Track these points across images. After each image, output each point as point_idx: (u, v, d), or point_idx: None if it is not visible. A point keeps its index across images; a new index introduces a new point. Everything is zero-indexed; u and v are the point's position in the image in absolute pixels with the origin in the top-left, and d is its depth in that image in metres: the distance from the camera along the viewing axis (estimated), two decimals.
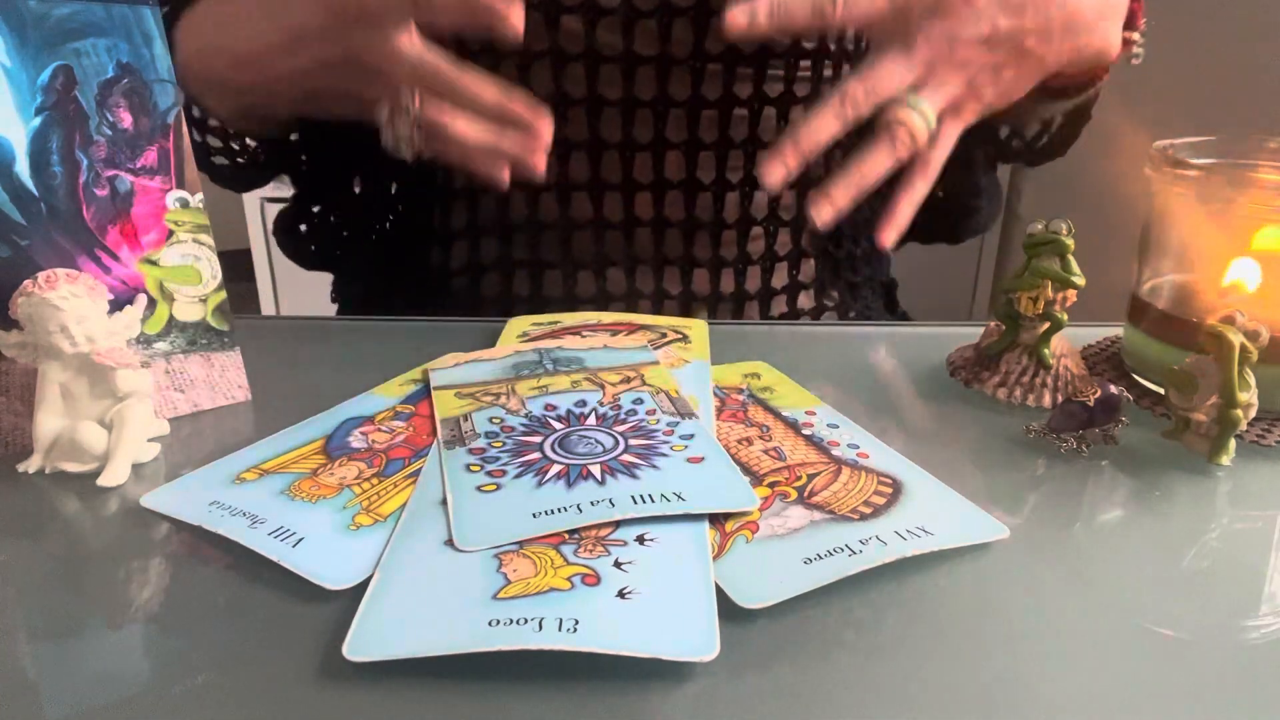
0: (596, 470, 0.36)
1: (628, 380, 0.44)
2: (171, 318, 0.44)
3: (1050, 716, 0.26)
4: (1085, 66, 0.53)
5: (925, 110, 0.46)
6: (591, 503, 0.33)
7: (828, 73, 0.61)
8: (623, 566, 0.30)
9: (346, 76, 0.48)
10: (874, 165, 0.45)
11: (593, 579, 0.30)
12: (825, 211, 0.43)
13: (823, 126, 0.45)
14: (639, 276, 0.62)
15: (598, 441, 0.38)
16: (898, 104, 0.46)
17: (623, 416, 0.40)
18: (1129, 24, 0.55)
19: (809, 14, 0.44)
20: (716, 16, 0.56)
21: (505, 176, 0.47)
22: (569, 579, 0.29)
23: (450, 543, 0.32)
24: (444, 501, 0.34)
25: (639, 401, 0.42)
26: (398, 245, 0.66)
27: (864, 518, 0.34)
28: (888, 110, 0.46)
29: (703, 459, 0.37)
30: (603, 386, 0.43)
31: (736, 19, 0.44)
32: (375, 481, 0.36)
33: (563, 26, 0.55)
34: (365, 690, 0.26)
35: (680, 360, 0.47)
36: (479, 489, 0.35)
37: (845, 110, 0.45)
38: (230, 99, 0.57)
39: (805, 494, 0.35)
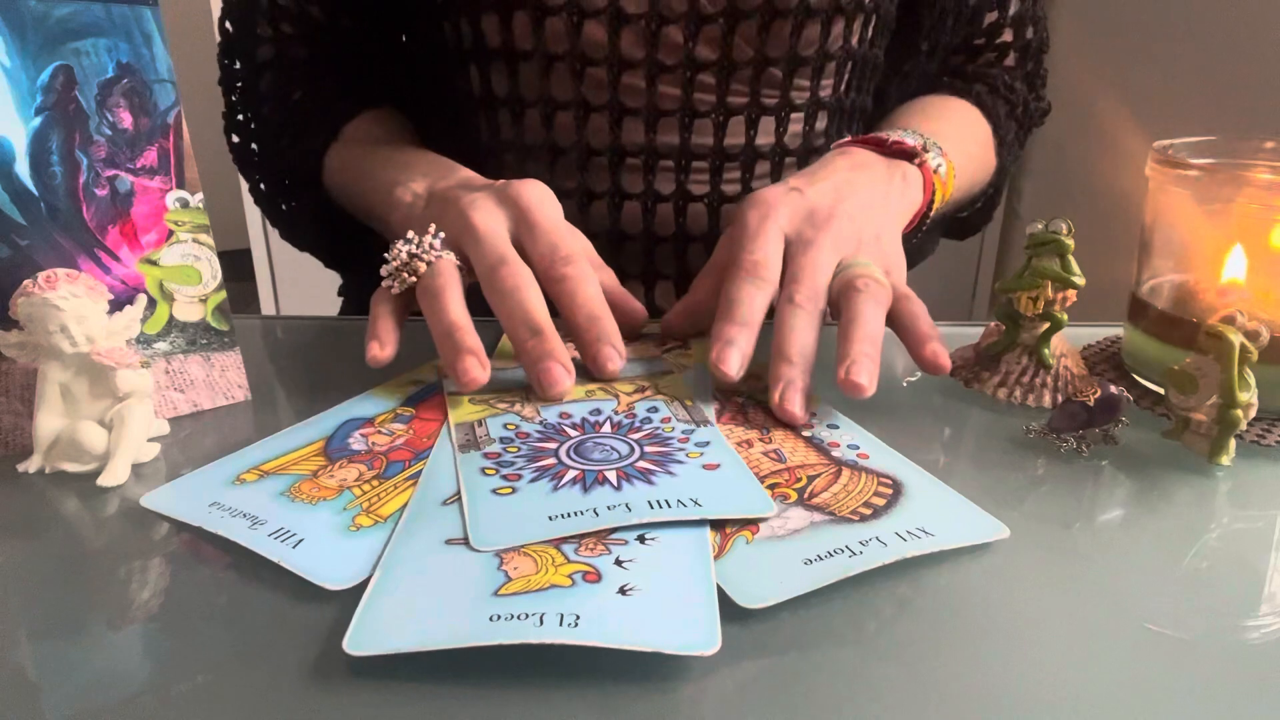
0: (612, 476, 0.36)
1: (642, 389, 0.44)
2: (171, 318, 0.44)
3: (1051, 716, 0.26)
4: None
5: (865, 262, 0.46)
6: (608, 507, 0.33)
7: (845, 80, 0.61)
8: (623, 564, 0.30)
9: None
10: (873, 323, 0.43)
11: (593, 576, 0.30)
12: (866, 389, 0.40)
13: (807, 335, 0.43)
14: (659, 291, 0.62)
15: (613, 448, 0.38)
16: (843, 271, 0.45)
17: (638, 424, 0.40)
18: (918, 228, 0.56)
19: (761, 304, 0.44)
20: (746, 20, 0.56)
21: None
22: (570, 576, 0.30)
23: (452, 541, 0.32)
24: (447, 502, 0.34)
25: (654, 410, 0.42)
26: None
27: (864, 519, 0.34)
28: (842, 280, 0.45)
29: (718, 465, 0.37)
30: (617, 395, 0.43)
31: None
32: (375, 483, 0.36)
33: (585, 33, 0.55)
34: (365, 687, 0.26)
35: (680, 366, 0.47)
36: (494, 491, 0.35)
37: (816, 309, 0.44)
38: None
39: (805, 495, 0.35)
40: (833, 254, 0.46)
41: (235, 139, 0.66)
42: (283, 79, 0.64)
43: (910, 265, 0.74)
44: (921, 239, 0.71)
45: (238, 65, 0.65)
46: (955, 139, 0.59)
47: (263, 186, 0.67)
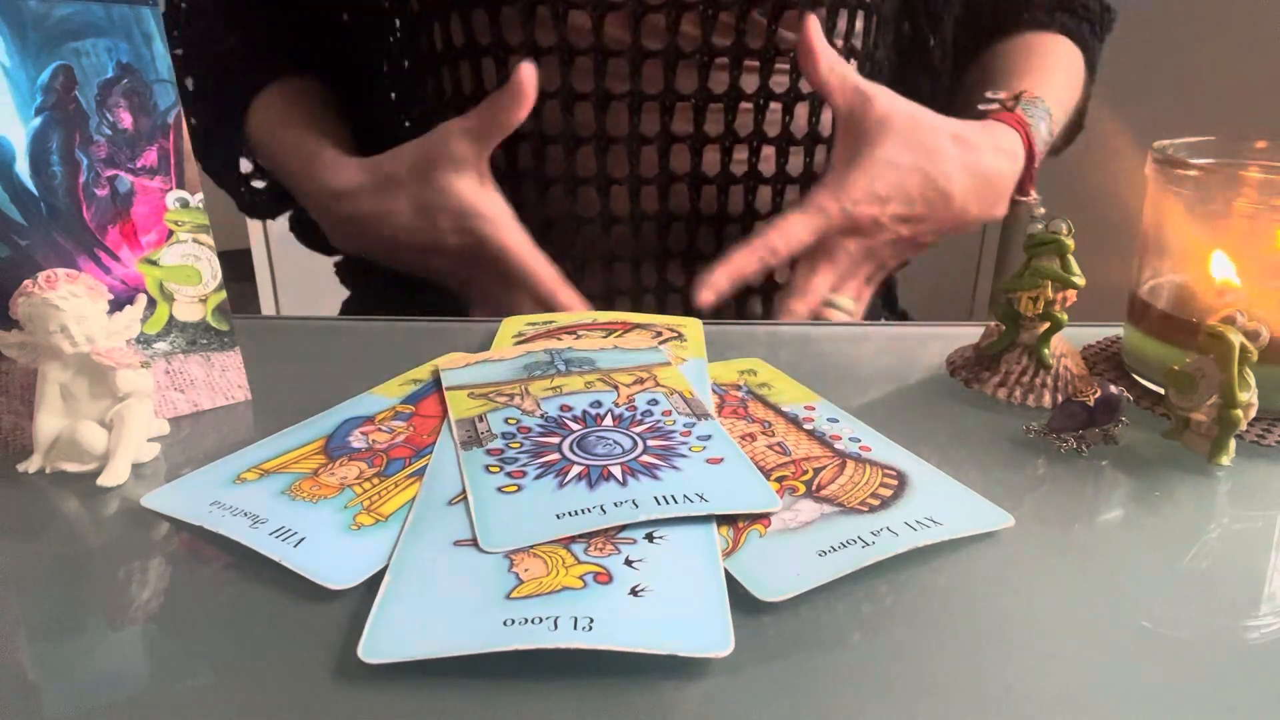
0: (618, 471, 0.36)
1: (641, 381, 0.44)
2: (171, 318, 0.44)
3: (1053, 714, 0.26)
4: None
5: (845, 303, 0.56)
6: (615, 504, 0.33)
7: (839, 31, 0.61)
8: (634, 564, 0.30)
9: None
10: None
11: (605, 577, 0.30)
12: (706, 296, 0.52)
13: (747, 266, 0.54)
14: (644, 271, 0.62)
15: (616, 442, 0.38)
16: (823, 305, 0.57)
17: (639, 417, 0.40)
18: (1021, 189, 0.60)
19: (757, 266, 0.54)
20: (725, 10, 0.56)
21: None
22: (581, 577, 0.30)
23: (460, 543, 0.32)
24: (452, 502, 0.34)
25: (654, 402, 0.42)
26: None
27: (873, 509, 0.34)
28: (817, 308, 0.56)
29: (722, 460, 0.37)
30: (616, 387, 0.43)
31: (705, 298, 0.54)
32: (376, 481, 0.36)
33: (570, 21, 0.55)
34: (369, 686, 0.26)
35: (677, 359, 0.47)
36: (500, 490, 0.35)
37: (770, 260, 0.54)
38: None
39: (813, 487, 0.35)
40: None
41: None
42: (218, 23, 0.65)
43: None
44: None
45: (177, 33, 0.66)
46: (1058, 88, 0.63)
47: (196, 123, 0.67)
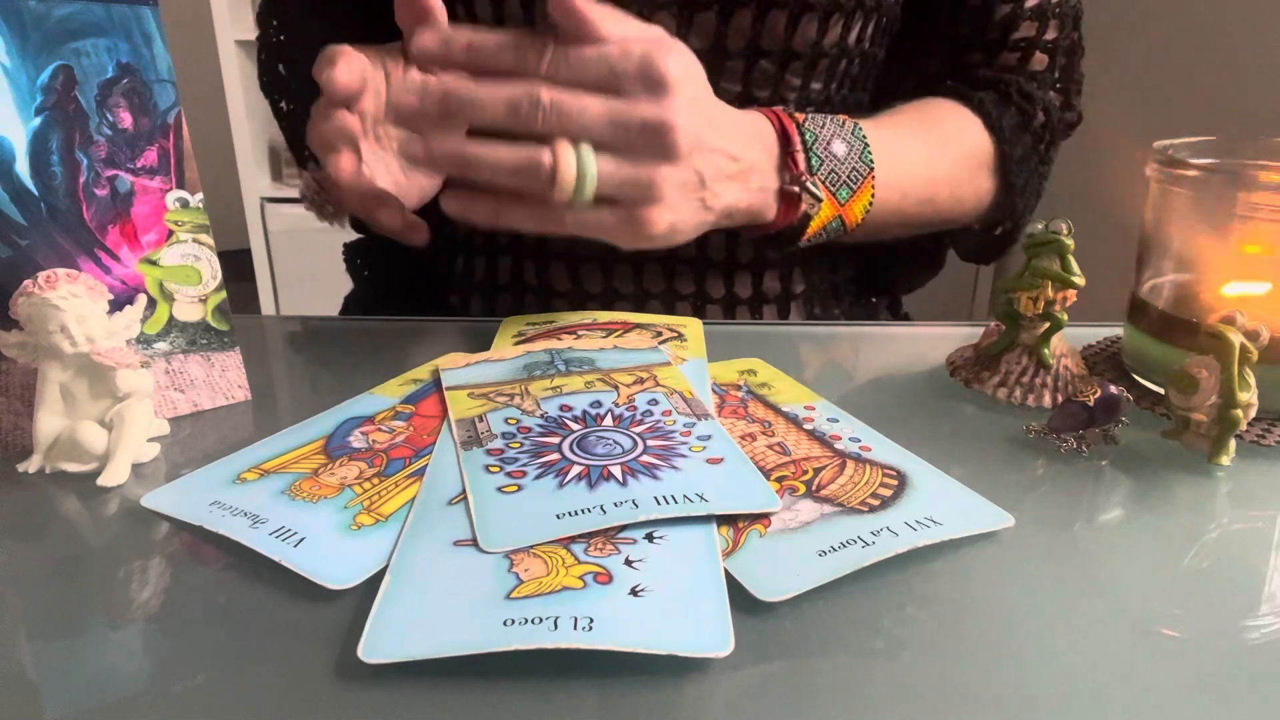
0: (617, 471, 0.36)
1: (641, 381, 0.44)
2: (171, 318, 0.44)
3: (1053, 714, 0.26)
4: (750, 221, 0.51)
5: (586, 159, 0.43)
6: (615, 504, 0.33)
7: (839, 76, 0.61)
8: (634, 564, 0.30)
9: None
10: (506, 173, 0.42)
11: (605, 577, 0.30)
12: None
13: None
14: (650, 307, 0.62)
15: (616, 442, 0.38)
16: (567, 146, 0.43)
17: (639, 417, 0.40)
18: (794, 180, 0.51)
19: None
20: (731, 60, 0.55)
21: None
22: (581, 577, 0.30)
23: (460, 543, 0.32)
24: (452, 502, 0.34)
25: (654, 402, 0.42)
26: (416, 254, 0.67)
27: (873, 509, 0.34)
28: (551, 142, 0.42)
29: (722, 460, 0.37)
30: (616, 387, 0.43)
31: None
32: (376, 481, 0.36)
33: None
34: (369, 686, 0.26)
35: (677, 359, 0.47)
36: (500, 490, 0.35)
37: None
38: None
39: (813, 488, 0.35)
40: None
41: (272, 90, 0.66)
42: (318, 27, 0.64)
43: (910, 289, 0.73)
44: (920, 253, 0.69)
45: (275, 23, 0.65)
46: (922, 153, 0.57)
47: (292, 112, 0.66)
